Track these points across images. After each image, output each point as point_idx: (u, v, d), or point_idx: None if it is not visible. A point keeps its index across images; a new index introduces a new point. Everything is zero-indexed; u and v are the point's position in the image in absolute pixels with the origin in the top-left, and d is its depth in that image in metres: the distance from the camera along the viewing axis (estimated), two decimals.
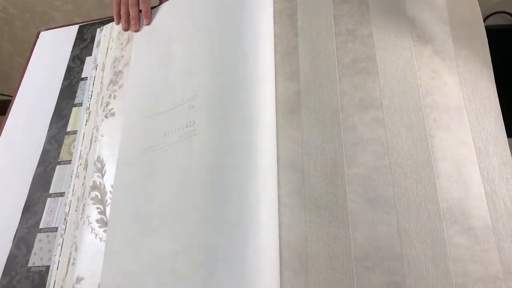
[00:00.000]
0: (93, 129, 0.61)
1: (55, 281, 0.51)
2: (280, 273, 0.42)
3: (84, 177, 0.57)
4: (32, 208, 0.58)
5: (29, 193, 0.60)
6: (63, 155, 0.61)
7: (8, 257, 0.55)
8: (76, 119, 0.64)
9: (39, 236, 0.56)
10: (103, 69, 0.66)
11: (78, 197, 0.56)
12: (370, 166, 0.44)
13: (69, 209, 0.56)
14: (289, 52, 0.53)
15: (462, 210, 0.41)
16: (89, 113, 0.63)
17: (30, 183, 0.60)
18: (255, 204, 0.44)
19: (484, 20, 1.13)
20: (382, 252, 0.41)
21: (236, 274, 0.42)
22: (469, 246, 0.40)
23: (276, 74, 0.52)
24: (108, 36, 0.69)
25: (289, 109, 0.50)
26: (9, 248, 0.56)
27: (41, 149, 0.63)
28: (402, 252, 0.40)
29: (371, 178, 0.44)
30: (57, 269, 0.52)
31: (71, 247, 0.53)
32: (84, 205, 0.55)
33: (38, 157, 0.62)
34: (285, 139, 0.49)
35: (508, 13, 1.09)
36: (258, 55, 0.52)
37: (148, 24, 0.66)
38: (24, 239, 0.56)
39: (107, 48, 0.68)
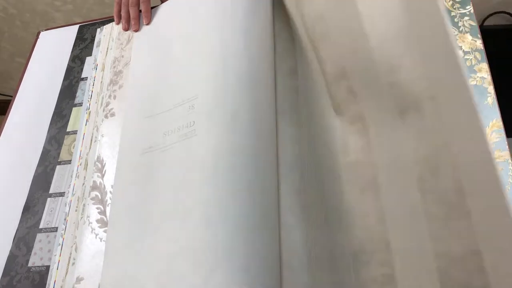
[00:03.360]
0: (93, 129, 0.61)
1: (55, 281, 0.51)
2: (280, 273, 0.42)
3: (84, 177, 0.57)
4: (32, 208, 0.58)
5: (29, 193, 0.60)
6: (63, 155, 0.61)
7: (8, 257, 0.55)
8: (76, 119, 0.64)
9: (39, 236, 0.56)
10: (103, 69, 0.66)
11: (78, 197, 0.56)
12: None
13: (69, 209, 0.56)
14: (287, 47, 0.53)
15: None
16: (89, 113, 0.63)
17: (30, 183, 0.60)
18: (255, 204, 0.44)
19: (484, 20, 1.13)
20: (375, 244, 0.40)
21: (236, 275, 0.42)
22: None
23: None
24: (108, 36, 0.69)
25: (288, 106, 0.50)
26: (9, 248, 0.56)
27: (41, 149, 0.63)
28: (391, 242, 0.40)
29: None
30: (57, 269, 0.52)
31: (71, 247, 0.53)
32: (84, 205, 0.55)
33: (38, 157, 0.62)
34: (284, 138, 0.49)
35: (508, 13, 1.09)
36: (259, 55, 0.52)
37: (148, 24, 0.66)
38: (24, 239, 0.56)
39: (107, 48, 0.68)
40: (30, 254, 0.54)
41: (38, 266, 0.53)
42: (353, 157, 0.43)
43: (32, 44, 0.76)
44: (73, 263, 0.51)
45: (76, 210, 0.55)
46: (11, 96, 0.72)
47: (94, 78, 0.66)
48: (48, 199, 0.58)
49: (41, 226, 0.56)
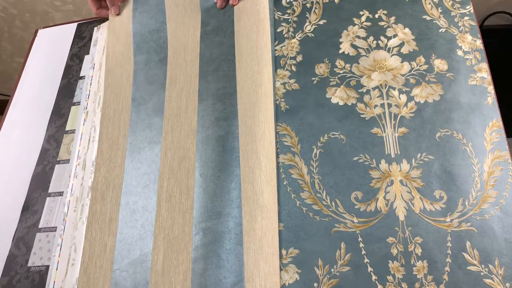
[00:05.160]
0: (91, 129, 0.61)
1: (54, 281, 0.51)
2: None
3: (83, 178, 0.57)
4: (32, 207, 0.58)
5: (28, 193, 0.59)
6: (62, 154, 0.61)
7: (8, 256, 0.55)
8: (75, 118, 0.64)
9: (39, 235, 0.55)
10: (100, 68, 0.66)
11: (77, 198, 0.56)
12: None
13: (68, 210, 0.56)
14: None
15: None
16: (87, 112, 0.63)
17: (29, 183, 0.60)
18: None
19: (484, 20, 1.13)
20: None
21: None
22: None
23: None
24: (105, 35, 0.69)
25: None
26: (9, 248, 0.56)
27: (40, 148, 0.63)
28: None
29: None
30: (57, 269, 0.52)
31: (70, 247, 0.53)
32: (83, 205, 0.55)
33: (37, 156, 0.62)
34: None
35: (508, 13, 1.09)
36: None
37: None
38: (24, 238, 0.56)
39: (104, 47, 0.68)
40: (30, 254, 0.54)
41: (37, 266, 0.53)
42: None
43: (30, 43, 0.76)
44: (73, 264, 0.51)
45: (75, 211, 0.55)
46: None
47: (91, 77, 0.66)
48: (48, 198, 0.58)
49: (40, 226, 0.56)
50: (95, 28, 0.72)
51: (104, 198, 0.53)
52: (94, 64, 0.67)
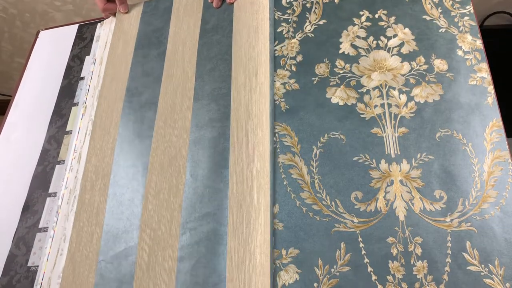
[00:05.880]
0: (88, 122, 0.61)
1: (44, 272, 0.51)
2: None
3: (77, 170, 0.57)
4: (32, 207, 0.58)
5: (28, 193, 0.59)
6: (63, 155, 0.61)
7: (8, 256, 0.55)
8: (76, 118, 0.64)
9: (39, 235, 0.55)
10: (101, 63, 0.66)
11: (70, 190, 0.56)
12: None
13: (62, 202, 0.56)
14: None
15: None
16: (85, 107, 0.63)
17: (29, 183, 0.60)
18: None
19: (484, 20, 1.13)
20: None
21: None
22: None
23: None
24: (108, 30, 0.70)
25: None
26: (9, 248, 0.56)
27: (41, 149, 0.63)
28: None
29: None
30: (47, 261, 0.52)
31: (61, 238, 0.53)
32: (75, 197, 0.55)
33: (38, 157, 0.62)
34: None
35: (508, 13, 1.09)
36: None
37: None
38: (24, 238, 0.56)
39: (106, 42, 0.68)
40: (30, 254, 0.54)
41: (37, 266, 0.53)
42: None
43: (32, 44, 0.76)
44: (61, 254, 0.51)
45: (67, 203, 0.55)
46: (11, 96, 0.71)
47: (92, 73, 0.66)
48: (48, 198, 0.58)
49: (40, 226, 0.56)
50: (98, 24, 0.72)
51: (93, 187, 0.53)
52: (95, 59, 0.67)
